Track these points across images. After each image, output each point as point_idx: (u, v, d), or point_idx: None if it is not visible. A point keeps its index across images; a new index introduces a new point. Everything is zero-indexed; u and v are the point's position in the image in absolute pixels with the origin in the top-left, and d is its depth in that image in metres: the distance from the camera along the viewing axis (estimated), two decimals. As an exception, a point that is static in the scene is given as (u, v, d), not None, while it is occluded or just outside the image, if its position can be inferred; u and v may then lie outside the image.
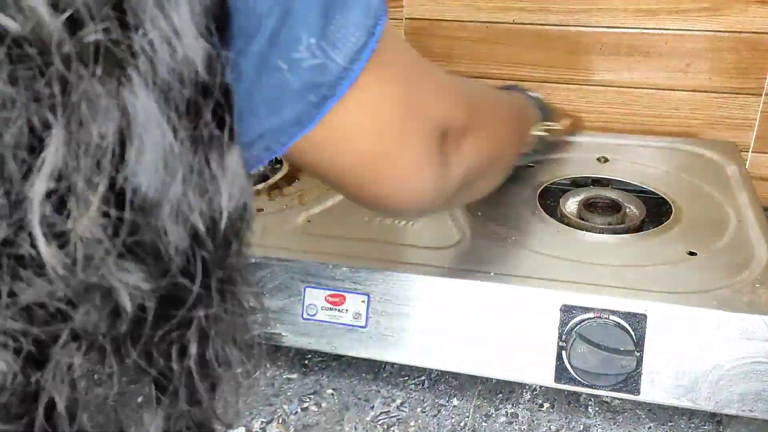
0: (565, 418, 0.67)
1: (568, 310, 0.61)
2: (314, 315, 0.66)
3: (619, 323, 0.60)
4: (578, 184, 0.82)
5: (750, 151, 0.98)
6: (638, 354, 0.59)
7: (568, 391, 0.64)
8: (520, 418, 0.67)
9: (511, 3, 0.99)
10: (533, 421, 0.66)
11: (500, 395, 0.69)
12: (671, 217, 0.73)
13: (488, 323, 0.63)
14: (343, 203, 0.78)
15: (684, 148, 0.90)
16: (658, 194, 0.79)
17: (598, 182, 0.82)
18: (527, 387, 0.69)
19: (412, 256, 0.67)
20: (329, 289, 0.66)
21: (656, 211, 0.77)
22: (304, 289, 0.66)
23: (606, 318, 0.60)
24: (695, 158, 0.88)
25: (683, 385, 0.59)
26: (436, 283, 0.64)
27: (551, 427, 0.66)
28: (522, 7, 0.99)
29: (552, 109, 0.77)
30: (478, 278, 0.63)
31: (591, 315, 0.60)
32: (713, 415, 0.64)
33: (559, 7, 0.97)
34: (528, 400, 0.69)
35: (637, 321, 0.59)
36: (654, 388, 0.60)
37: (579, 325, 0.60)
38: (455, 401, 0.69)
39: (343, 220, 0.74)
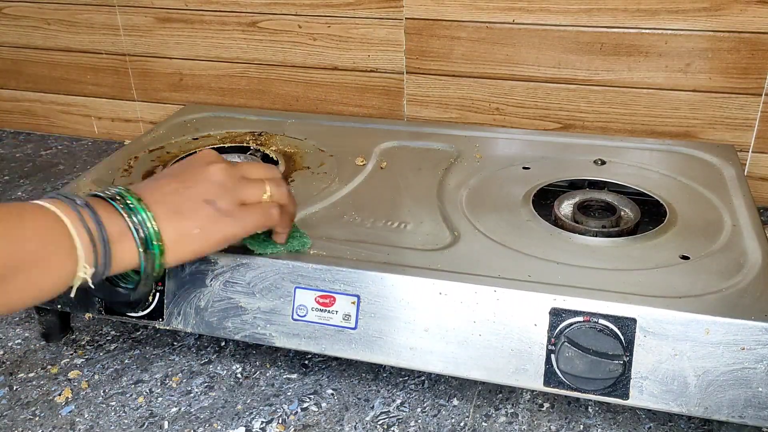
0: (565, 418, 0.66)
1: (557, 314, 0.61)
2: (304, 316, 0.66)
3: (608, 327, 0.59)
4: (574, 186, 0.82)
5: (750, 151, 0.98)
6: (627, 358, 0.59)
7: (563, 392, 0.64)
8: (520, 418, 0.67)
9: (511, 3, 0.99)
10: (533, 421, 0.66)
11: (500, 395, 0.69)
12: (666, 221, 0.73)
13: (478, 326, 0.62)
14: (335, 204, 0.78)
15: (681, 151, 0.89)
16: (653, 197, 0.78)
17: (593, 185, 0.82)
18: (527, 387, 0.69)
19: (402, 258, 0.67)
20: (319, 291, 0.66)
21: (651, 214, 0.76)
22: (295, 290, 0.66)
23: (595, 322, 0.60)
24: (692, 161, 0.87)
25: (672, 390, 0.59)
26: (427, 285, 0.64)
27: (551, 427, 0.66)
28: (522, 7, 0.99)
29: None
30: (469, 280, 0.63)
31: (580, 319, 0.60)
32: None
33: (559, 7, 0.97)
34: (528, 400, 0.69)
35: (627, 325, 0.59)
36: (643, 393, 0.59)
37: (568, 329, 0.60)
38: (455, 401, 0.69)
39: (334, 221, 0.74)
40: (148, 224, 0.52)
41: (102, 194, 0.53)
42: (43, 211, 0.48)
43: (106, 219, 0.50)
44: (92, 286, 0.50)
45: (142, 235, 0.52)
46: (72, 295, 0.49)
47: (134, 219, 0.51)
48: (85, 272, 0.49)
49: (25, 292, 0.47)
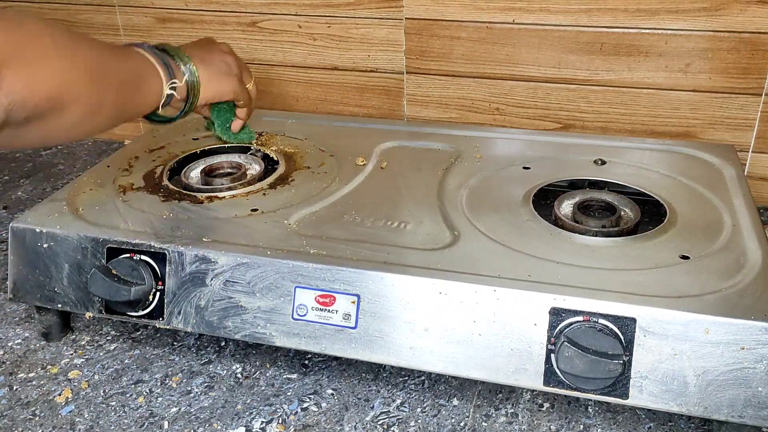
0: (565, 418, 0.66)
1: (557, 313, 0.61)
2: (304, 315, 0.66)
3: (608, 327, 0.59)
4: (574, 186, 0.82)
5: (750, 151, 0.98)
6: (626, 358, 0.59)
7: (564, 392, 0.64)
8: (520, 418, 0.67)
9: (511, 3, 0.99)
10: (533, 421, 0.66)
11: (500, 395, 0.69)
12: (666, 221, 0.73)
13: (478, 326, 0.63)
14: (335, 204, 0.78)
15: (681, 151, 0.89)
16: (653, 197, 0.78)
17: (594, 184, 0.82)
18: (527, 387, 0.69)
19: (402, 258, 0.67)
20: (319, 290, 0.66)
21: (651, 214, 0.77)
22: (295, 290, 0.66)
23: (595, 321, 0.60)
24: (693, 161, 0.87)
25: (672, 390, 0.59)
26: (427, 285, 0.64)
27: (551, 427, 0.66)
28: (522, 7, 0.99)
29: (179, 66, 0.76)
30: (468, 280, 0.63)
31: (580, 318, 0.60)
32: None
33: (559, 7, 0.97)
34: (528, 400, 0.69)
35: (626, 325, 0.59)
36: (642, 393, 0.59)
37: (568, 329, 0.60)
38: (455, 401, 0.69)
39: (335, 220, 0.74)
40: (192, 68, 0.77)
41: (160, 48, 0.75)
42: (136, 51, 0.72)
43: (168, 61, 0.74)
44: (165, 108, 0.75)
45: (189, 78, 0.76)
46: (161, 108, 0.74)
47: (183, 65, 0.76)
48: (172, 86, 0.73)
49: (141, 98, 0.71)
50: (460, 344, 0.63)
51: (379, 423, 0.66)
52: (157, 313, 0.70)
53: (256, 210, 0.77)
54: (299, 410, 0.68)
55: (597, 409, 0.68)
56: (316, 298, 0.66)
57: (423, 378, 0.72)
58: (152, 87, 0.72)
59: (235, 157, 0.90)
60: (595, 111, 1.02)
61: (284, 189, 0.82)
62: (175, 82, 0.73)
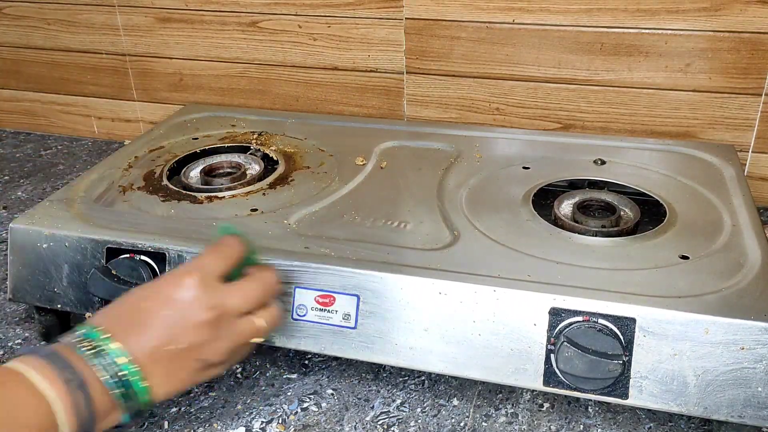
0: (565, 418, 0.66)
1: (557, 313, 0.61)
2: (304, 316, 0.66)
3: (608, 327, 0.59)
4: (574, 186, 0.82)
5: (750, 151, 0.98)
6: (626, 358, 0.59)
7: (565, 391, 0.64)
8: (520, 418, 0.67)
9: (511, 3, 0.99)
10: (533, 421, 0.66)
11: (500, 395, 0.69)
12: (665, 221, 0.73)
13: (477, 326, 0.63)
14: (335, 204, 0.78)
15: (681, 151, 0.89)
16: (653, 197, 0.78)
17: (593, 184, 0.82)
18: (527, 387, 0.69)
19: (402, 258, 0.67)
20: (319, 290, 0.66)
21: (651, 214, 0.77)
22: (294, 290, 0.66)
23: (594, 322, 0.60)
24: (692, 161, 0.87)
25: (672, 390, 0.59)
26: (426, 285, 0.64)
27: (551, 427, 0.66)
28: (522, 7, 0.99)
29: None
30: (468, 280, 0.63)
31: (579, 318, 0.60)
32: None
33: (559, 7, 0.97)
34: (528, 400, 0.69)
35: (626, 325, 0.59)
36: (642, 393, 0.59)
37: (567, 329, 0.60)
38: (455, 401, 0.69)
39: (335, 220, 0.74)
40: (142, 397, 0.53)
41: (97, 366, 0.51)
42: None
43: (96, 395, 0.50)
44: None
45: (133, 407, 0.53)
46: None
47: (128, 403, 0.52)
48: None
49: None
50: (459, 344, 0.63)
51: (379, 423, 0.66)
52: (157, 313, 0.70)
53: (255, 210, 0.77)
54: (299, 410, 0.68)
55: (597, 409, 0.68)
56: (315, 299, 0.66)
57: (423, 378, 0.72)
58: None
59: (235, 157, 0.90)
60: (595, 111, 1.02)
61: (284, 189, 0.82)
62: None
